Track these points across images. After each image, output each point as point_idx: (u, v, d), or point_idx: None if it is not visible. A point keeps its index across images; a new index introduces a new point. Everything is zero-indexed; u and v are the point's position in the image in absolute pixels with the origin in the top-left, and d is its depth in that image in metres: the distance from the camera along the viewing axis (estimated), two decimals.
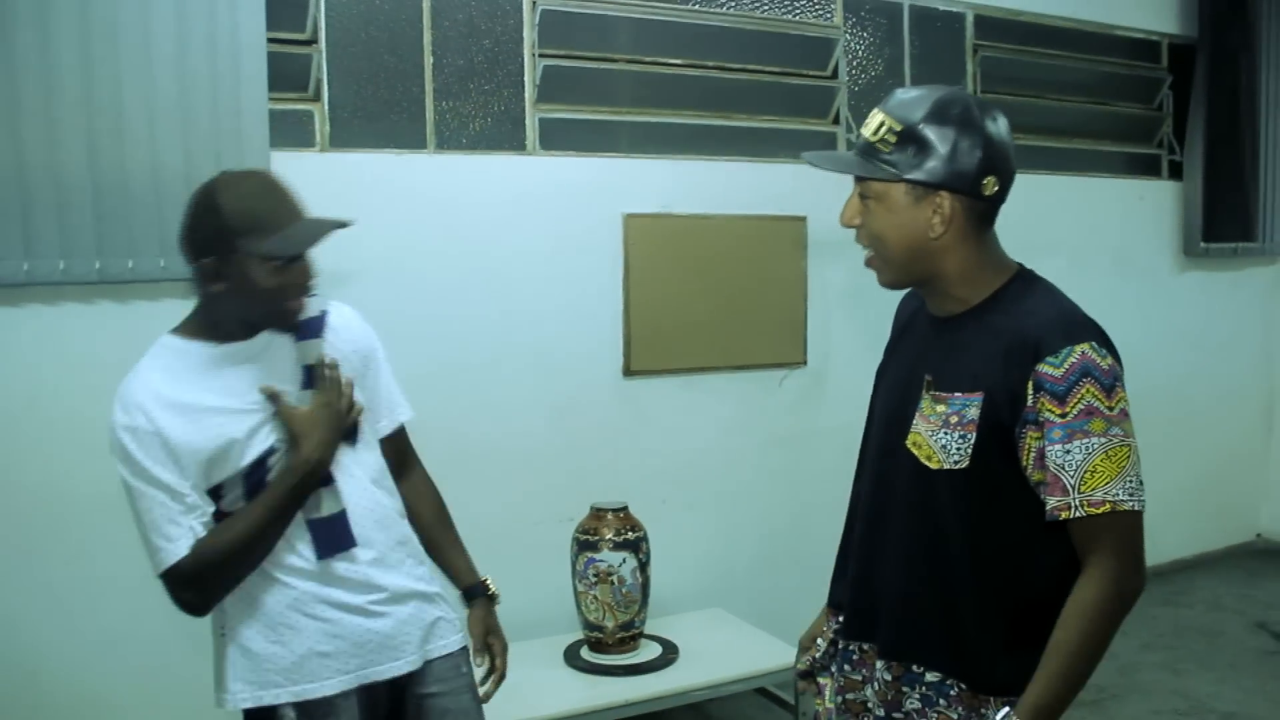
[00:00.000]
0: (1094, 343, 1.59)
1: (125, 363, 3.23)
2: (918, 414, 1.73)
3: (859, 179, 1.69)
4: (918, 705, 1.73)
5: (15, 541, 3.18)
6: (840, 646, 1.91)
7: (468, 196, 3.75)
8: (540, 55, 3.92)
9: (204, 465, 1.88)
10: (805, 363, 4.51)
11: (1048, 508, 1.59)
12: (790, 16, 4.46)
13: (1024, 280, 1.72)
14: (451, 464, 3.83)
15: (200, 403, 1.88)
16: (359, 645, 1.98)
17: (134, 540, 3.30)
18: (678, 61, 4.23)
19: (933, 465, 1.68)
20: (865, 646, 1.84)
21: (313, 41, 3.55)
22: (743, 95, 4.41)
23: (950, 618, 1.69)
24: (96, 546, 3.25)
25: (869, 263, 1.76)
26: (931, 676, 1.72)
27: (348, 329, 2.08)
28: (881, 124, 1.65)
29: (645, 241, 4.09)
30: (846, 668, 1.88)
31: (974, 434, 1.63)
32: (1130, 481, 1.58)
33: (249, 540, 1.88)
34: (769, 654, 3.71)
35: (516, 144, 3.91)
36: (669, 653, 3.64)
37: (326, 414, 1.94)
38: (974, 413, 1.63)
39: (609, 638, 3.57)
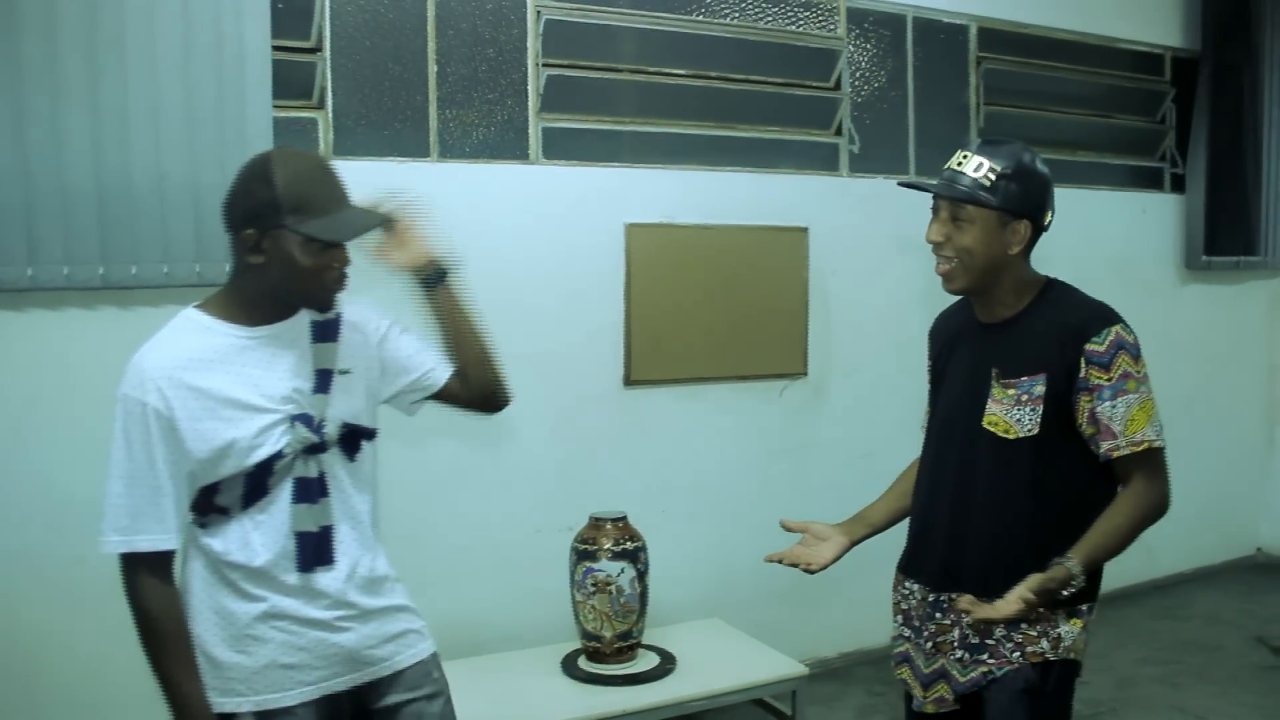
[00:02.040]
0: (1122, 324, 2.14)
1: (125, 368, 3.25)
2: (990, 400, 2.20)
3: (953, 204, 2.15)
4: (1004, 632, 2.16)
5: (15, 546, 3.19)
6: (930, 600, 2.30)
7: (470, 205, 3.75)
8: (544, 65, 3.93)
9: (203, 459, 1.88)
10: (805, 374, 4.51)
11: (1101, 450, 2.12)
12: (793, 28, 4.47)
13: (1054, 286, 2.26)
14: (451, 472, 3.86)
15: (217, 390, 1.88)
16: (322, 658, 1.99)
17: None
18: (681, 72, 4.25)
19: (1010, 436, 2.17)
20: (953, 595, 2.18)
21: (317, 49, 3.56)
22: (745, 106, 4.42)
23: (1028, 553, 2.10)
24: (96, 551, 3.25)
25: (947, 272, 2.20)
26: None
27: (361, 323, 2.09)
28: (981, 164, 2.13)
29: (647, 251, 4.09)
30: (937, 615, 2.27)
31: (1042, 406, 2.14)
32: (1157, 425, 2.13)
33: (156, 661, 1.96)
34: (767, 665, 3.72)
35: (519, 153, 3.92)
36: (667, 663, 3.64)
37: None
38: (1040, 389, 2.14)
39: (607, 647, 3.57)
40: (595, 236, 4.03)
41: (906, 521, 2.47)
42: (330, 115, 3.59)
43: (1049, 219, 2.21)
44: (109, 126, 3.11)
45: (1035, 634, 2.15)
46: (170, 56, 3.17)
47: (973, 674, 2.21)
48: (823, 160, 4.61)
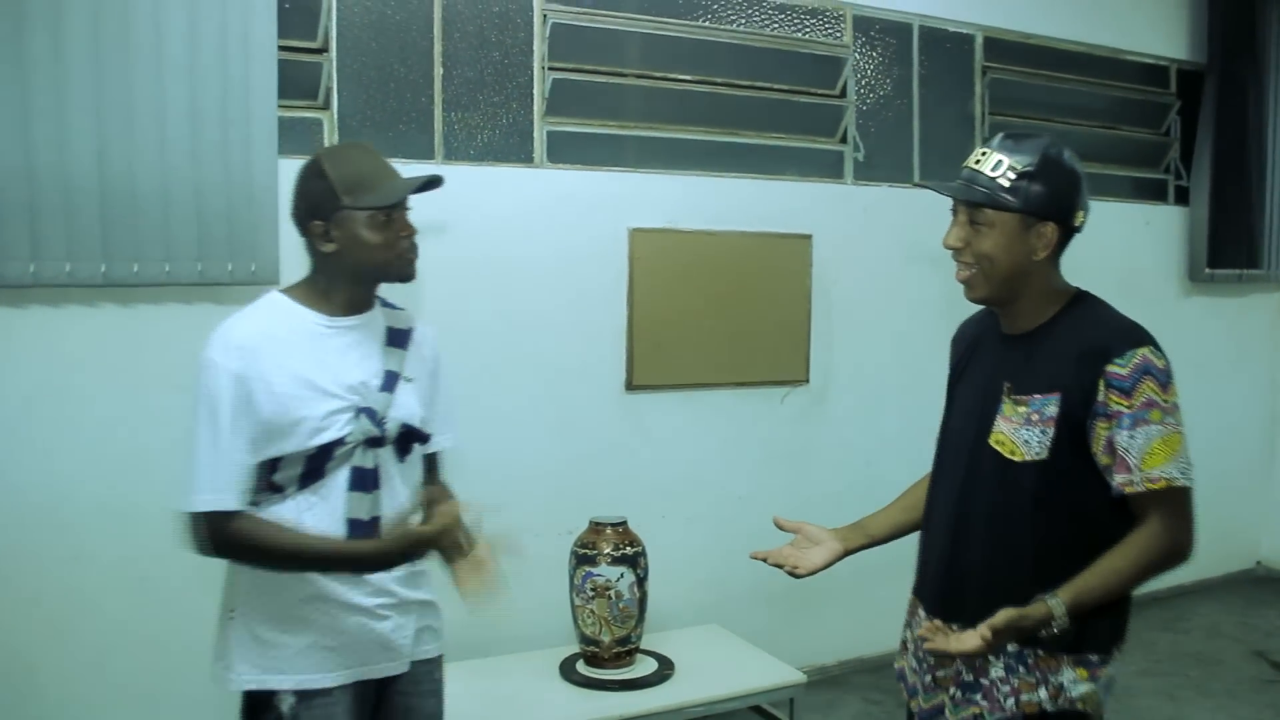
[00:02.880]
0: (1152, 347, 1.92)
1: (127, 366, 3.26)
2: (999, 416, 2.01)
3: (970, 207, 1.98)
4: (1001, 674, 1.98)
5: (14, 543, 3.19)
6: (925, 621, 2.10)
7: (474, 208, 3.75)
8: (550, 68, 3.93)
9: (272, 431, 1.97)
10: (807, 381, 4.51)
11: (1114, 484, 1.90)
12: (799, 35, 4.47)
13: (1083, 300, 2.04)
14: (451, 474, 3.85)
15: (292, 368, 1.98)
16: (360, 644, 2.08)
17: (133, 544, 3.32)
18: (687, 77, 4.25)
19: (1016, 458, 1.97)
20: (954, 626, 1.98)
21: (323, 50, 3.56)
22: (751, 112, 4.42)
23: (1031, 589, 1.89)
24: (95, 548, 3.26)
25: (967, 279, 2.03)
26: (1012, 647, 1.96)
27: (428, 346, 2.23)
28: (1000, 162, 1.95)
29: (650, 256, 4.09)
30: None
31: (1053, 428, 1.93)
32: (1182, 462, 1.89)
33: (307, 561, 2.00)
34: (765, 671, 3.71)
35: (524, 156, 3.92)
36: (665, 668, 3.63)
37: (451, 539, 2.06)
38: (1053, 410, 1.93)
39: (605, 652, 3.56)
40: (599, 241, 4.03)
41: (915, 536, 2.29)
42: (335, 116, 3.59)
43: (1080, 219, 1.99)
44: (113, 124, 3.11)
45: (1032, 680, 1.96)
46: (176, 55, 3.17)
47: (964, 715, 2.03)
48: (827, 167, 4.61)
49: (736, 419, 4.37)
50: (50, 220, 3.06)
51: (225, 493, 1.95)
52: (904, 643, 2.25)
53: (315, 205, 2.02)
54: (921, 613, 2.15)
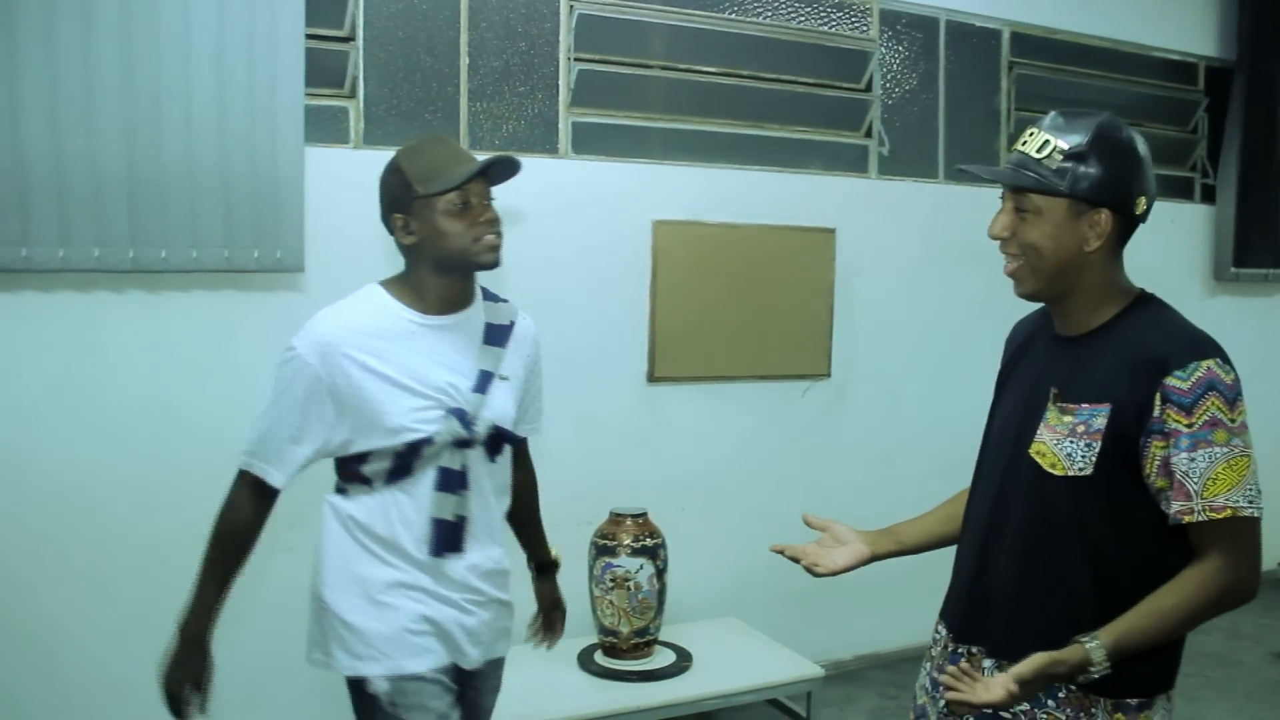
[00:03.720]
0: (1218, 359, 1.70)
1: (153, 351, 3.29)
2: (1042, 424, 1.81)
3: (1016, 193, 1.79)
4: (1025, 706, 1.77)
5: (38, 527, 3.22)
6: (949, 650, 1.95)
7: (498, 197, 3.74)
8: (575, 59, 3.93)
9: (357, 425, 2.03)
10: (829, 375, 4.50)
11: (1171, 511, 1.69)
12: (826, 28, 4.46)
13: (1146, 302, 1.84)
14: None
15: (380, 365, 2.01)
16: (448, 633, 2.12)
17: (158, 527, 3.35)
18: (712, 69, 4.24)
19: (1056, 472, 1.77)
20: (974, 650, 1.88)
21: (350, 39, 3.57)
22: (776, 105, 4.41)
23: (1062, 620, 1.74)
24: (118, 532, 3.28)
25: (1014, 272, 1.84)
26: None
27: (528, 341, 2.28)
28: (1047, 142, 1.76)
29: (674, 248, 4.09)
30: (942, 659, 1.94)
31: (1099, 443, 1.73)
32: (1250, 489, 1.69)
33: (204, 558, 2.18)
34: (783, 665, 3.72)
35: (549, 147, 3.92)
36: (683, 660, 3.64)
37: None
38: (1100, 422, 1.73)
39: (623, 643, 3.57)
40: (622, 232, 4.03)
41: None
42: (361, 105, 3.60)
43: (1142, 206, 1.79)
44: (142, 112, 3.13)
45: (1063, 717, 1.76)
46: (203, 42, 3.19)
47: None
48: (852, 162, 4.60)
49: (757, 412, 4.37)
50: (79, 206, 3.08)
51: (257, 459, 2.06)
52: (930, 657, 2.07)
53: (394, 199, 2.06)
54: (941, 630, 2.00)
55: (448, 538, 2.09)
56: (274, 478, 2.06)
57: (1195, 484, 1.66)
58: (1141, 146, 1.80)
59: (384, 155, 3.50)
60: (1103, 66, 5.27)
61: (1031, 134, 1.80)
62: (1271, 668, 4.80)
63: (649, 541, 3.56)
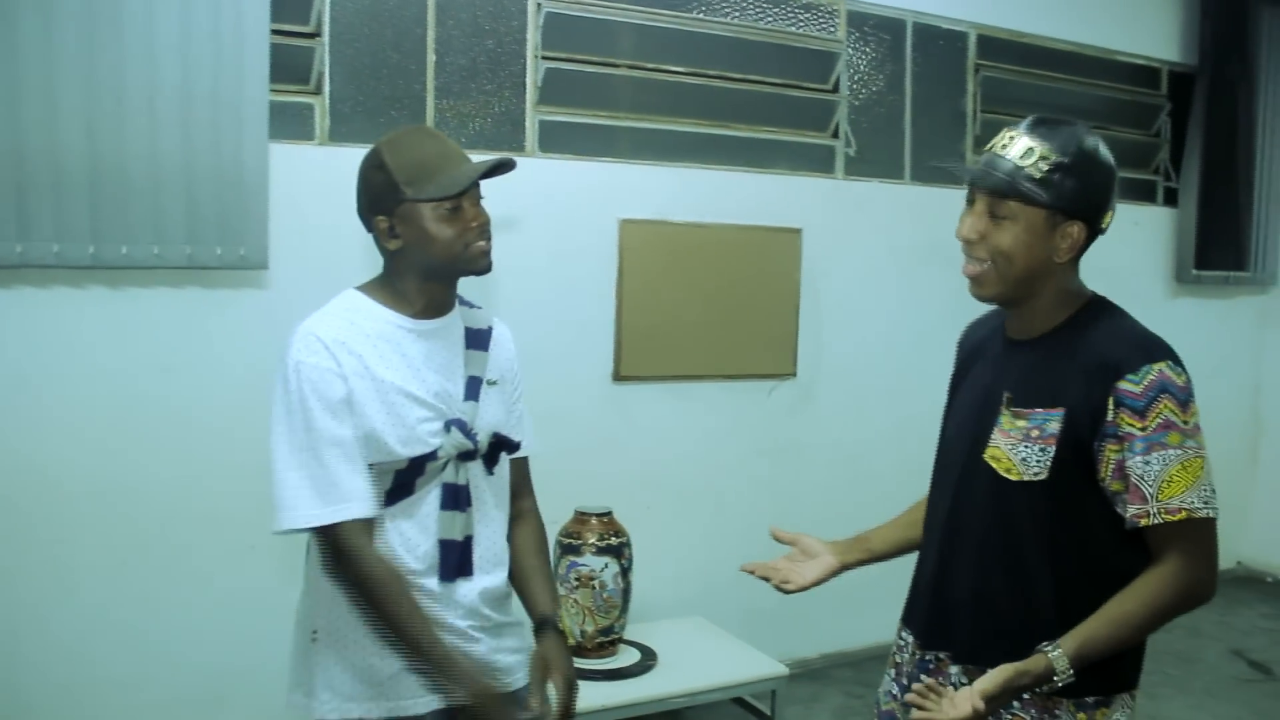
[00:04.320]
0: (1170, 362, 1.72)
1: (115, 348, 3.25)
2: (996, 429, 1.82)
3: (993, 197, 1.77)
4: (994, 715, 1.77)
5: None
6: (918, 657, 1.96)
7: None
8: (543, 57, 3.92)
9: (364, 434, 1.82)
10: (795, 375, 4.52)
11: (1127, 515, 1.71)
12: (793, 29, 4.47)
13: (1098, 306, 1.85)
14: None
15: (379, 370, 1.84)
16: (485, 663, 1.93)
17: (117, 527, 3.31)
18: (679, 69, 4.24)
19: (1012, 477, 1.78)
20: (941, 655, 1.90)
21: (316, 34, 3.55)
22: (743, 105, 4.42)
23: (1024, 623, 1.77)
24: (80, 531, 3.25)
25: (977, 275, 1.83)
26: None
27: (507, 346, 2.11)
28: (1031, 150, 1.75)
29: (640, 247, 4.09)
30: (923, 676, 1.90)
31: (1054, 447, 1.74)
32: (1205, 490, 1.70)
33: (384, 621, 1.81)
34: (748, 664, 3.73)
35: (515, 145, 3.91)
36: (648, 659, 3.64)
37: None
38: (1054, 427, 1.74)
39: (588, 642, 3.57)
40: (589, 231, 4.03)
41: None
42: (327, 101, 3.58)
43: (1108, 220, 1.81)
44: (104, 105, 3.09)
45: (1028, 717, 1.78)
46: (168, 36, 3.15)
47: None
48: (818, 162, 4.61)
49: (723, 411, 4.38)
50: (39, 201, 3.04)
51: (335, 504, 1.78)
52: (894, 664, 2.07)
53: (377, 199, 1.87)
54: (905, 635, 2.01)
55: (457, 561, 1.91)
56: (361, 509, 1.80)
57: (1150, 487, 1.68)
58: (1113, 162, 1.83)
59: (350, 152, 3.52)
60: (1068, 70, 5.31)
61: (1012, 138, 1.78)
62: (1231, 664, 4.86)
63: (614, 540, 3.56)
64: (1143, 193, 5.77)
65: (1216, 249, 5.71)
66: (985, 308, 2.01)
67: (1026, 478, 1.76)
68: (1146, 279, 5.61)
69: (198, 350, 3.35)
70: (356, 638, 1.87)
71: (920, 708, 1.68)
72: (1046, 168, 1.74)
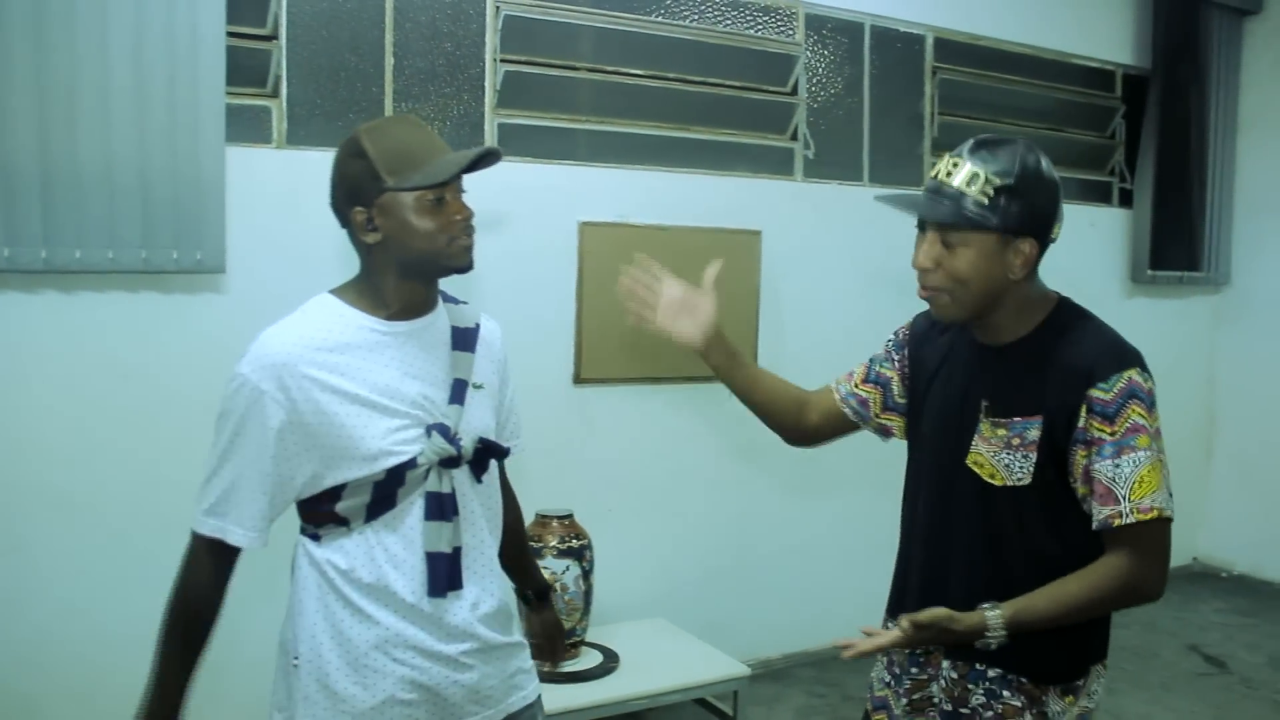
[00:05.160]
0: (1139, 369, 1.79)
1: (69, 354, 3.22)
2: (977, 436, 1.88)
3: (942, 226, 1.81)
4: (982, 700, 1.88)
5: None
6: (906, 652, 2.01)
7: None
8: (502, 60, 3.92)
9: (328, 455, 1.73)
10: None
11: (1099, 517, 1.76)
12: (752, 32, 4.49)
13: (1067, 310, 1.91)
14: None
15: (346, 383, 1.74)
16: (442, 698, 1.82)
17: (72, 534, 3.27)
18: (639, 72, 4.25)
19: (996, 483, 1.85)
20: (931, 649, 1.95)
21: (273, 37, 3.53)
22: (702, 108, 4.43)
23: None
24: (37, 539, 3.21)
25: (934, 299, 1.87)
26: (993, 672, 1.87)
27: (495, 345, 2.02)
28: (975, 175, 1.78)
29: (600, 250, 4.09)
30: (914, 670, 2.00)
31: (1035, 454, 1.81)
32: (1166, 489, 1.76)
33: (160, 635, 1.79)
34: (710, 665, 3.74)
35: (475, 147, 3.89)
36: (610, 661, 3.64)
37: None
38: (1035, 434, 1.81)
39: None
40: (549, 233, 4.03)
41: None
42: (284, 104, 3.56)
43: (1058, 231, 1.85)
44: (55, 108, 3.06)
45: (1018, 704, 1.85)
46: (121, 37, 3.13)
47: None
48: (777, 164, 4.64)
49: (684, 413, 4.38)
50: None
51: (223, 520, 1.74)
52: (885, 654, 2.08)
53: (355, 189, 1.76)
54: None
55: (446, 574, 1.79)
56: (236, 537, 1.74)
57: (1123, 488, 1.73)
58: (1056, 175, 1.85)
59: (308, 155, 3.54)
60: (1024, 73, 5.37)
61: (955, 164, 1.81)
62: (1187, 660, 4.92)
63: (575, 543, 3.56)
64: (1098, 194, 5.84)
65: (1171, 249, 5.80)
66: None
67: (1010, 483, 1.83)
68: (1103, 279, 5.68)
69: (154, 356, 3.32)
70: (341, 663, 1.78)
71: (849, 644, 1.78)
72: (992, 192, 1.77)
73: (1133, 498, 1.72)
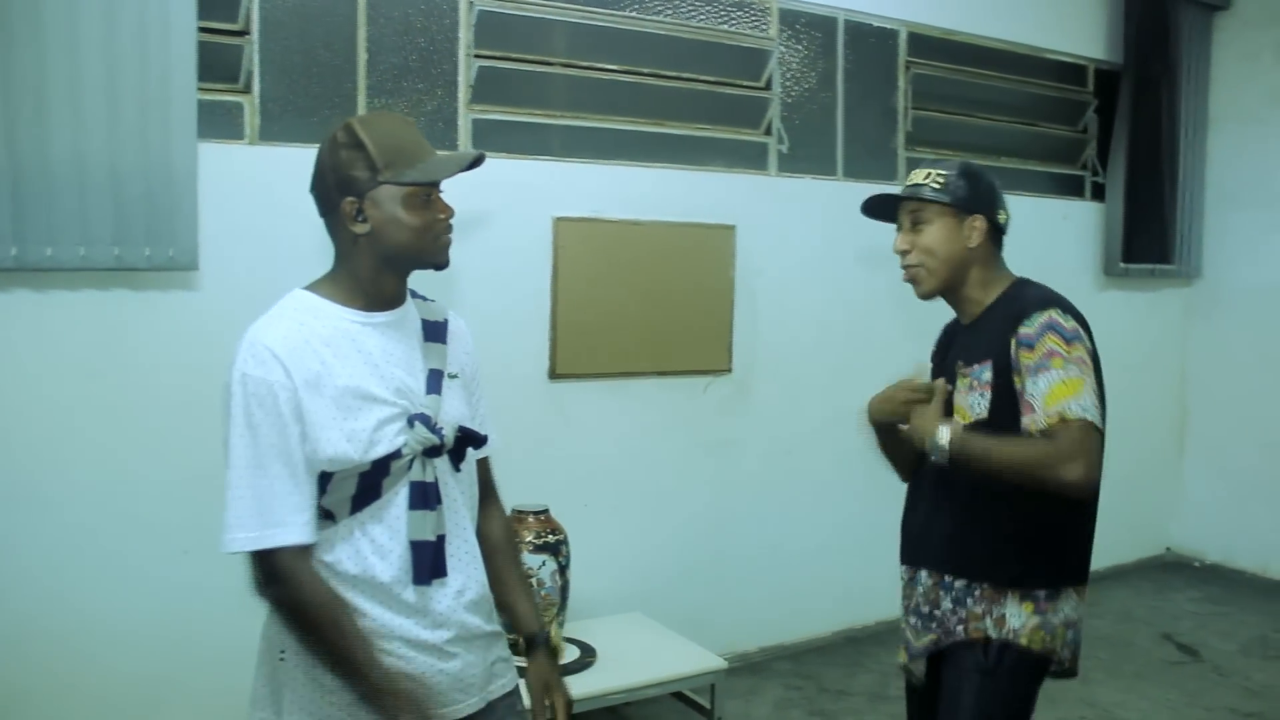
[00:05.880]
0: (1059, 309, 2.16)
1: (40, 352, 3.20)
2: (956, 390, 2.26)
3: (912, 212, 2.31)
4: (950, 605, 2.28)
5: None
6: (907, 577, 2.42)
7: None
8: (475, 56, 3.91)
9: (322, 443, 1.74)
10: (730, 371, 4.55)
11: (1023, 425, 2.10)
12: (726, 27, 4.50)
13: (1022, 283, 2.33)
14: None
15: (333, 374, 1.76)
16: (428, 687, 1.82)
17: (42, 534, 3.25)
18: (613, 67, 4.25)
19: (965, 421, 2.21)
20: (958, 581, 2.27)
21: (245, 33, 3.51)
22: (676, 103, 4.44)
23: (973, 535, 2.25)
24: (5, 537, 3.19)
25: (913, 276, 2.32)
26: (959, 583, 2.26)
27: (465, 339, 2.04)
28: (929, 173, 2.30)
29: (575, 245, 4.10)
30: (907, 590, 2.42)
31: (989, 391, 2.19)
32: (1082, 400, 2.05)
33: (322, 648, 1.74)
34: (687, 658, 3.75)
35: (449, 144, 3.90)
36: (587, 656, 3.65)
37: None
38: (988, 375, 2.20)
39: None
40: (523, 229, 4.02)
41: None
42: (257, 100, 3.54)
43: (1004, 217, 2.32)
44: (24, 103, 3.03)
45: (980, 610, 2.22)
46: (91, 32, 3.10)
47: (924, 640, 2.33)
48: (752, 159, 4.65)
49: (659, 408, 4.39)
50: None
51: (270, 529, 1.70)
52: (905, 598, 2.45)
53: (348, 179, 1.78)
54: (922, 574, 2.36)
55: (430, 562, 1.81)
56: (296, 536, 1.72)
57: (1038, 400, 2.07)
58: (993, 179, 2.34)
59: (280, 151, 3.52)
60: (997, 67, 5.40)
61: (914, 173, 2.33)
62: (1161, 648, 4.97)
63: (551, 538, 3.57)
64: (1071, 188, 5.88)
65: (1143, 242, 5.83)
66: (931, 308, 2.41)
67: (973, 418, 2.20)
68: (1075, 272, 5.71)
69: (126, 353, 3.30)
70: None
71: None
72: (942, 181, 2.28)
73: (1046, 406, 2.05)
